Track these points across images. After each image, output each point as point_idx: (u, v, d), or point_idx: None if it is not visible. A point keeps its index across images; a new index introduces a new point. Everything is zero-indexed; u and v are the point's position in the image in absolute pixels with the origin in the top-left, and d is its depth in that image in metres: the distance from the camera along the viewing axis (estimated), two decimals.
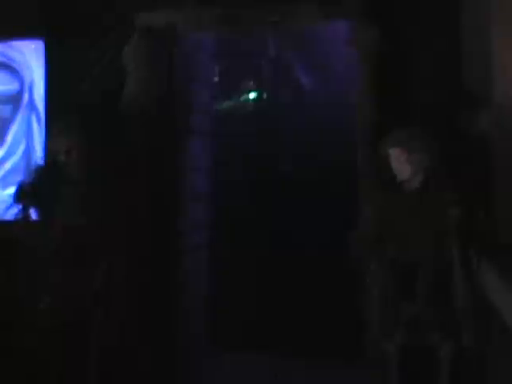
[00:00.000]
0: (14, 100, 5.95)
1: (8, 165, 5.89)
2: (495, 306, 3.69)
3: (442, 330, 4.23)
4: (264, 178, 8.33)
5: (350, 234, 4.53)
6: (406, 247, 4.29)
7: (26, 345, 4.97)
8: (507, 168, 4.28)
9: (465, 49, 4.94)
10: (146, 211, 5.54)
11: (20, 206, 4.91)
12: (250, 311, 7.41)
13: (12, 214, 5.02)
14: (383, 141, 4.46)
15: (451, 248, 4.18)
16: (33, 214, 4.96)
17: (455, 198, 4.22)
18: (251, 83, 8.93)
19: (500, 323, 3.52)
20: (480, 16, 4.64)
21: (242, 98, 8.97)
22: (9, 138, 5.92)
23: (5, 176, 5.88)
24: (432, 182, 4.34)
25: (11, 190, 5.26)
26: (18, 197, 4.92)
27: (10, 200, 5.06)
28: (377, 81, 4.95)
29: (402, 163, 4.35)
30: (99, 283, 4.79)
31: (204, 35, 6.20)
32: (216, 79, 7.88)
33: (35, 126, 5.84)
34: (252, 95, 8.95)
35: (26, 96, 5.91)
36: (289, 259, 7.68)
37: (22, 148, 5.88)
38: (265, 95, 8.92)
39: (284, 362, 6.64)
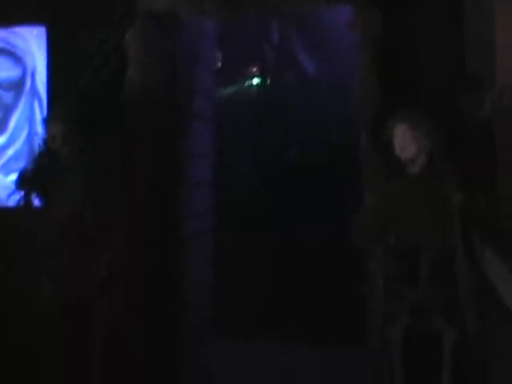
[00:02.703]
0: (17, 86, 5.94)
1: (10, 151, 5.89)
2: (498, 290, 3.68)
3: (445, 316, 4.23)
4: (267, 164, 8.34)
5: (352, 221, 4.53)
6: (408, 232, 4.29)
7: (29, 332, 5.00)
8: (510, 153, 4.27)
9: (468, 33, 4.91)
10: (149, 197, 5.52)
11: (22, 193, 4.92)
12: (253, 298, 7.43)
13: (14, 200, 5.03)
14: (389, 119, 4.46)
15: (454, 233, 4.18)
16: (35, 201, 4.97)
17: (457, 182, 4.22)
18: (254, 69, 8.92)
19: (502, 307, 3.52)
20: (484, 0, 4.62)
21: (246, 83, 8.96)
22: (11, 124, 5.91)
23: (7, 162, 5.88)
24: (434, 166, 4.34)
25: (13, 176, 5.27)
26: (20, 183, 4.93)
27: (13, 187, 5.08)
28: (379, 66, 4.93)
29: (407, 140, 4.35)
30: (104, 272, 4.80)
31: (206, 20, 6.17)
32: (219, 65, 7.86)
33: (37, 112, 5.84)
34: (255, 81, 8.95)
35: (28, 82, 5.90)
36: (292, 245, 7.69)
37: (24, 134, 5.87)
38: (268, 80, 8.91)
39: (287, 348, 6.67)
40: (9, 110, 5.94)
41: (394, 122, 4.43)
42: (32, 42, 5.87)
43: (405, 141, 4.37)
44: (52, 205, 4.88)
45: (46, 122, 5.03)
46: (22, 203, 4.92)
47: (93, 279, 4.77)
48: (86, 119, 4.97)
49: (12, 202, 5.14)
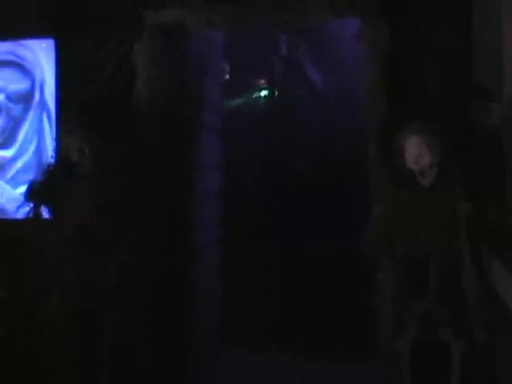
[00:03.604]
0: (25, 99, 5.95)
1: (19, 164, 5.90)
2: (506, 302, 3.68)
3: (453, 327, 4.22)
4: (275, 176, 8.33)
5: (361, 232, 4.52)
6: (416, 243, 4.27)
7: (38, 341, 5.00)
8: None
9: (476, 43, 4.92)
10: (158, 209, 5.53)
11: (31, 205, 4.93)
12: (261, 310, 7.41)
13: (23, 212, 5.03)
14: (401, 130, 4.44)
15: (462, 244, 4.17)
16: (44, 213, 4.98)
17: (464, 193, 4.21)
18: (262, 81, 8.92)
19: (510, 319, 3.51)
20: (492, 10, 4.63)
21: (254, 95, 8.97)
22: (20, 136, 5.93)
23: (16, 175, 5.89)
24: (444, 177, 4.33)
25: (22, 188, 5.28)
26: (29, 195, 4.94)
27: (22, 199, 5.08)
28: (387, 78, 4.93)
29: (423, 150, 4.32)
30: (114, 282, 4.81)
31: (215, 33, 6.17)
32: (227, 77, 7.87)
33: (46, 124, 5.85)
34: (263, 93, 8.95)
35: (36, 95, 5.92)
36: (300, 257, 7.67)
37: (33, 147, 5.89)
38: (276, 93, 8.91)
39: (295, 360, 6.64)
40: (17, 123, 5.96)
41: (406, 133, 4.40)
42: (40, 55, 5.89)
43: (419, 151, 4.34)
44: (61, 216, 4.89)
45: (65, 131, 5.03)
46: (30, 215, 4.93)
47: (102, 289, 4.78)
48: (99, 130, 4.99)
49: (21, 214, 5.15)
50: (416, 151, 4.35)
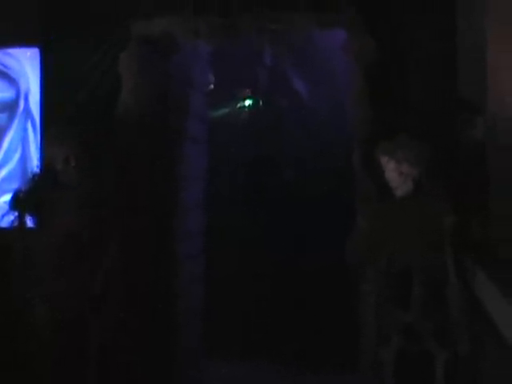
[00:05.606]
0: (10, 108, 5.94)
1: (3, 172, 5.88)
2: (489, 313, 3.69)
3: (437, 338, 4.23)
4: (259, 186, 8.32)
5: (346, 243, 4.54)
6: (399, 254, 4.30)
7: (21, 352, 4.98)
8: (502, 176, 4.28)
9: (460, 56, 4.94)
10: (144, 219, 5.52)
11: (16, 214, 4.92)
12: (245, 320, 7.41)
13: (8, 221, 5.01)
14: (376, 149, 4.49)
15: (445, 256, 4.20)
16: (28, 222, 4.97)
17: (447, 206, 4.24)
18: (247, 91, 8.92)
19: (495, 333, 3.52)
20: (475, 20, 4.66)
21: (238, 105, 8.96)
22: (4, 145, 5.91)
23: (0, 183, 5.87)
24: (423, 190, 4.35)
25: (7, 197, 5.25)
26: (14, 204, 4.92)
27: (6, 208, 5.07)
28: (372, 89, 4.95)
29: (390, 172, 4.39)
30: (100, 288, 4.80)
31: (201, 43, 6.18)
32: (212, 86, 7.87)
33: (31, 133, 5.84)
34: (248, 102, 8.95)
35: (21, 103, 5.91)
36: (287, 267, 7.67)
37: (17, 155, 5.87)
38: (261, 103, 8.91)
39: (280, 370, 6.64)
40: (2, 132, 5.94)
41: (377, 153, 4.47)
42: (26, 64, 5.88)
43: (388, 172, 4.41)
44: (46, 224, 4.88)
45: (50, 141, 5.02)
46: (15, 224, 4.91)
47: (87, 298, 4.77)
48: (84, 140, 4.98)
49: (5, 223, 5.13)
50: (385, 172, 4.41)
